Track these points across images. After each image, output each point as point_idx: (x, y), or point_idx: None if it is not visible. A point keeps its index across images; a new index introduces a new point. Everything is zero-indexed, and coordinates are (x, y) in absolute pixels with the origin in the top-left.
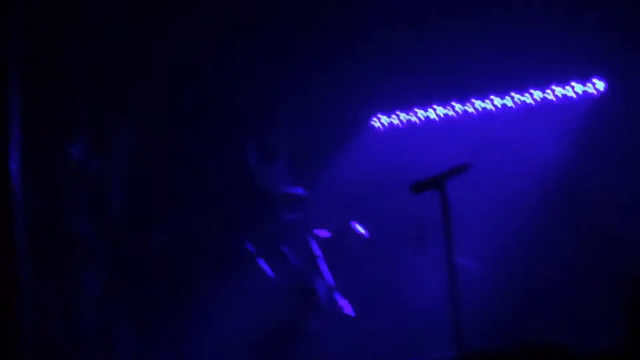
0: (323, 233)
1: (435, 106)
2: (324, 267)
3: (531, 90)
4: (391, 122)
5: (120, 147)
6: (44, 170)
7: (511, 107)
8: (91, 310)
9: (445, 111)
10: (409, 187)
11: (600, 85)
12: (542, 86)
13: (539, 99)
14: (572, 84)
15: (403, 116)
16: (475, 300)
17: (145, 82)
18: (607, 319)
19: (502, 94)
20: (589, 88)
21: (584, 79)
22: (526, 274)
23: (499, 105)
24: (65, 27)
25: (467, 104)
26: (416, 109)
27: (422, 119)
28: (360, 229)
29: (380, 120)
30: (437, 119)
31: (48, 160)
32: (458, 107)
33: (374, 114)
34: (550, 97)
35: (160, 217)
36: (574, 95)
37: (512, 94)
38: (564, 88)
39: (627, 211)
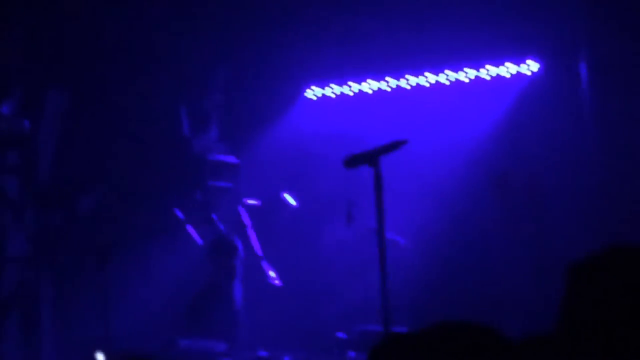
0: (253, 202)
1: (369, 80)
2: (252, 236)
3: (465, 69)
4: (324, 94)
5: (52, 108)
6: None
7: (444, 84)
8: (16, 270)
9: (379, 85)
10: (343, 161)
11: (535, 66)
12: (477, 64)
13: (472, 78)
14: (507, 64)
15: (337, 88)
16: (405, 277)
17: (79, 44)
18: (539, 304)
19: (436, 71)
20: (523, 69)
21: (518, 60)
22: (456, 252)
23: (433, 82)
24: None
25: (401, 79)
26: (350, 82)
27: (356, 92)
28: (290, 199)
29: (314, 92)
30: (370, 92)
31: None
32: (392, 81)
33: (307, 84)
34: (484, 76)
35: (89, 181)
36: (508, 75)
37: (447, 71)
38: (498, 67)
39: (557, 193)
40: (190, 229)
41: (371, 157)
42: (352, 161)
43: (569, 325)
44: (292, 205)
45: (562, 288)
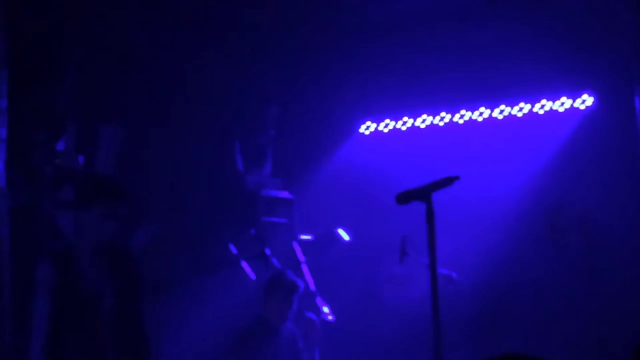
0: (307, 238)
1: (424, 115)
2: (306, 272)
3: (521, 104)
4: (377, 129)
5: (105, 145)
6: (29, 167)
7: (497, 118)
8: None
9: (433, 120)
10: (395, 197)
11: (590, 100)
12: (531, 99)
13: (526, 112)
14: (562, 98)
15: (391, 123)
16: (458, 312)
17: (133, 81)
18: (589, 343)
19: (491, 105)
20: (578, 103)
21: (573, 94)
22: (509, 288)
23: (487, 117)
24: (52, 23)
25: (456, 114)
26: (405, 117)
27: (410, 126)
28: (344, 234)
29: (368, 127)
30: (423, 127)
31: (33, 156)
32: (447, 117)
33: (361, 119)
34: (538, 110)
35: (143, 217)
36: (562, 110)
37: (502, 106)
38: (553, 102)
39: (610, 230)
40: (244, 265)
41: (423, 194)
42: (404, 197)
43: None
44: (345, 240)
45: None
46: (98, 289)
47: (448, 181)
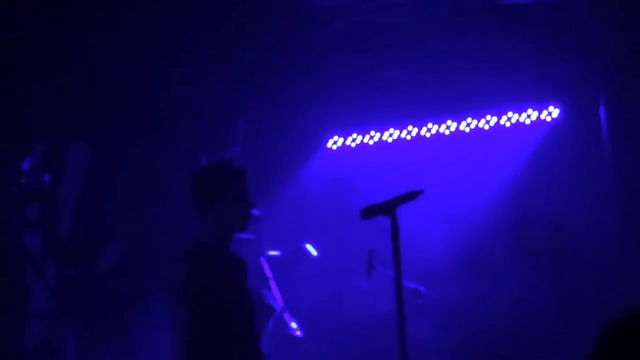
0: (275, 253)
1: (391, 129)
2: (275, 288)
3: (487, 116)
4: (345, 144)
5: (73, 162)
6: None
7: (464, 131)
8: (39, 325)
9: (400, 134)
10: (359, 212)
11: (556, 112)
12: (498, 111)
13: (493, 125)
14: (528, 110)
15: (358, 138)
16: (426, 325)
17: (100, 99)
18: (562, 354)
19: (458, 118)
20: (544, 115)
21: (539, 106)
22: (477, 300)
23: (454, 130)
24: (19, 41)
25: (423, 127)
26: (372, 131)
27: (377, 141)
28: (312, 250)
29: (335, 141)
30: (391, 141)
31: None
32: (414, 130)
33: (329, 134)
34: (505, 123)
35: (111, 234)
36: (528, 122)
37: (469, 119)
38: (520, 114)
39: (579, 239)
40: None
41: (387, 208)
42: (369, 212)
43: None
44: (313, 256)
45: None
46: None
47: (412, 195)
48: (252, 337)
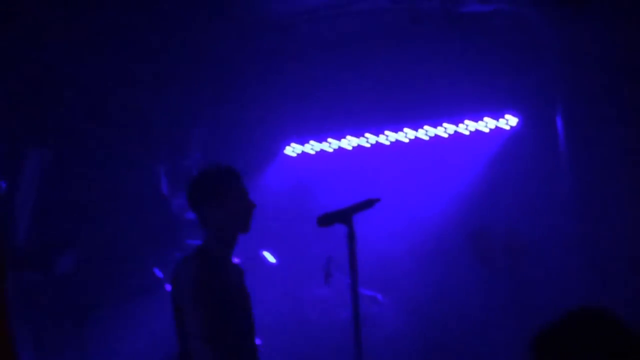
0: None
1: (348, 136)
2: None
3: (444, 124)
4: (303, 151)
5: (30, 168)
6: None
7: (423, 140)
8: None
9: (358, 141)
10: (316, 219)
11: (513, 120)
12: (456, 120)
13: (451, 133)
14: (486, 119)
15: (317, 145)
16: (382, 333)
17: (58, 103)
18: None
19: (415, 126)
20: (502, 123)
21: (497, 114)
22: (434, 308)
23: (412, 138)
24: None
25: (381, 135)
26: (329, 139)
27: (336, 148)
28: (270, 257)
29: (293, 149)
30: (350, 148)
31: None
32: (372, 138)
33: (287, 141)
34: (463, 131)
35: (67, 241)
36: (487, 130)
37: (426, 127)
38: (477, 122)
39: (535, 247)
40: (169, 288)
41: (344, 215)
42: (325, 220)
43: None
44: (271, 263)
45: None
46: None
47: (369, 203)
48: (253, 335)
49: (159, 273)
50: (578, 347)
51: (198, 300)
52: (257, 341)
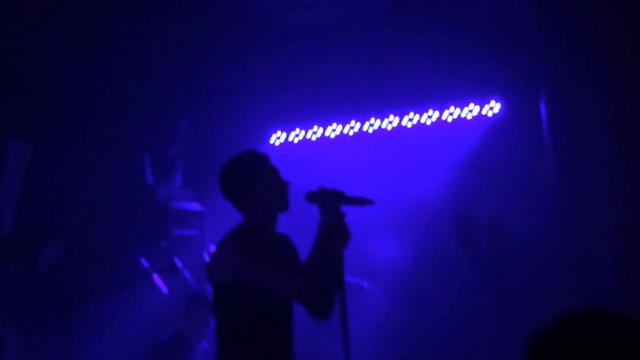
0: None
1: (333, 124)
2: None
3: (429, 111)
4: (288, 140)
5: (13, 159)
6: None
7: (406, 127)
8: None
9: (343, 129)
10: (306, 194)
11: (497, 107)
12: (439, 106)
13: (435, 120)
14: (470, 105)
15: (301, 133)
16: (368, 321)
17: (41, 94)
18: (503, 349)
19: (399, 113)
20: (485, 110)
21: (480, 101)
22: (420, 295)
23: (395, 125)
24: None
25: (365, 122)
26: (315, 126)
27: (320, 137)
28: None
29: (278, 137)
30: (333, 137)
31: None
32: (356, 125)
33: (272, 129)
34: (447, 118)
35: (52, 232)
36: (470, 117)
37: (411, 114)
38: (461, 109)
39: (519, 234)
40: (156, 278)
41: (334, 200)
42: (313, 197)
43: None
44: None
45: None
46: None
47: (362, 201)
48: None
49: (145, 263)
50: (578, 353)
51: (246, 262)
52: None
